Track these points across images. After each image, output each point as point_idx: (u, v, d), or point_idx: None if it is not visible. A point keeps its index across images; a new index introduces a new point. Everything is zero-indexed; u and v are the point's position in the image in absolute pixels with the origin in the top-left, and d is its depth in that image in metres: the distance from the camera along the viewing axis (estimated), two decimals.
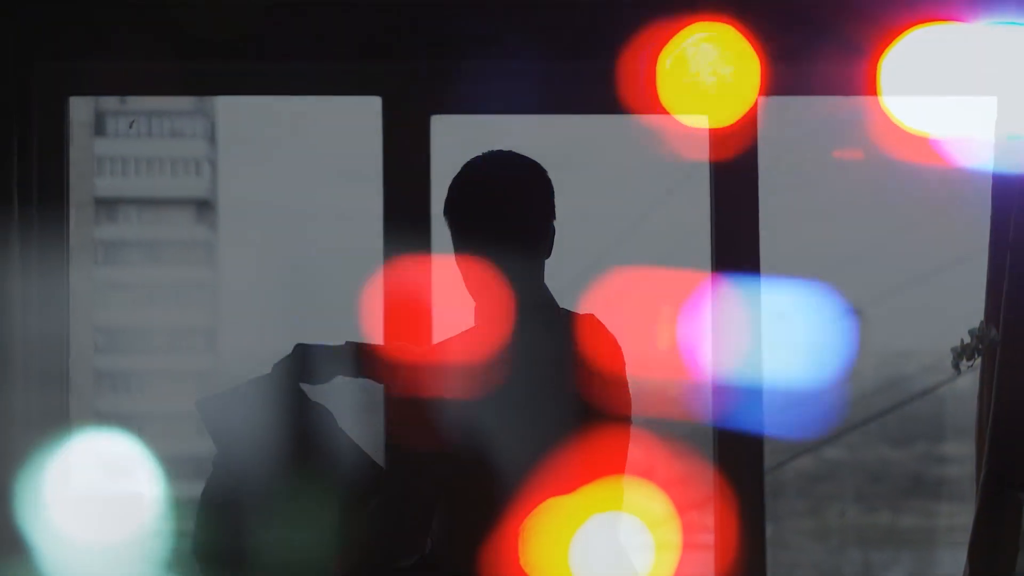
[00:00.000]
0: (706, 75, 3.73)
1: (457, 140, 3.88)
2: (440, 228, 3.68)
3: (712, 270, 3.76)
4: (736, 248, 3.75)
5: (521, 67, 3.69)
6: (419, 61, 3.63)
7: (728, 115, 3.76)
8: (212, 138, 32.82)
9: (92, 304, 31.66)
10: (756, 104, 3.77)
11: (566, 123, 3.97)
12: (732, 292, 3.76)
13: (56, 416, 3.54)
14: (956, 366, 3.55)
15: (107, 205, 32.27)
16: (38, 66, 3.53)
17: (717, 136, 3.76)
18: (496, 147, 2.72)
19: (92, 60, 3.58)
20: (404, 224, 3.62)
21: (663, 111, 3.82)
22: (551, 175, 2.67)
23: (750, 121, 3.76)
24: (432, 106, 3.69)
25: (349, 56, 3.62)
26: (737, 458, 3.69)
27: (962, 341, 3.52)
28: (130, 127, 29.43)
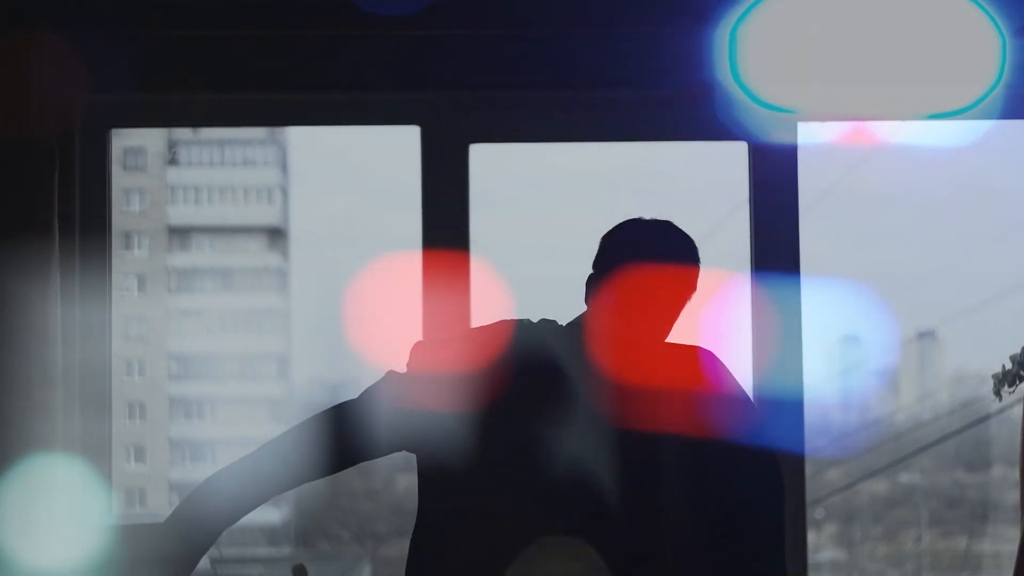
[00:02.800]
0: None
1: (497, 167, 3.92)
2: (478, 253, 3.71)
3: (752, 288, 3.75)
4: (776, 257, 3.74)
5: (557, 95, 3.71)
6: (458, 90, 3.66)
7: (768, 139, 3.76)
8: (284, 166, 33.14)
9: (166, 332, 32.00)
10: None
11: (606, 150, 3.99)
12: (771, 309, 3.75)
13: (98, 443, 3.59)
14: (997, 393, 3.51)
15: (180, 234, 32.64)
16: (80, 99, 3.59)
17: (758, 160, 3.76)
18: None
19: (134, 93, 3.64)
20: (442, 252, 3.65)
21: (703, 136, 3.83)
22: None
23: (790, 145, 3.76)
24: (471, 135, 3.71)
25: (388, 86, 3.65)
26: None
27: (1003, 367, 3.48)
28: (171, 157, 29.77)
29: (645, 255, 2.62)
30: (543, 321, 2.62)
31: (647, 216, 2.70)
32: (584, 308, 2.68)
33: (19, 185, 3.37)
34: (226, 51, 3.60)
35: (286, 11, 3.61)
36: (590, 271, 2.70)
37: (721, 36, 3.58)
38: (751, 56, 3.58)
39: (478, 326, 2.67)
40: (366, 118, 3.78)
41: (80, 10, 3.53)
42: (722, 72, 3.58)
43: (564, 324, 2.63)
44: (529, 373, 2.51)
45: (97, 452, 3.56)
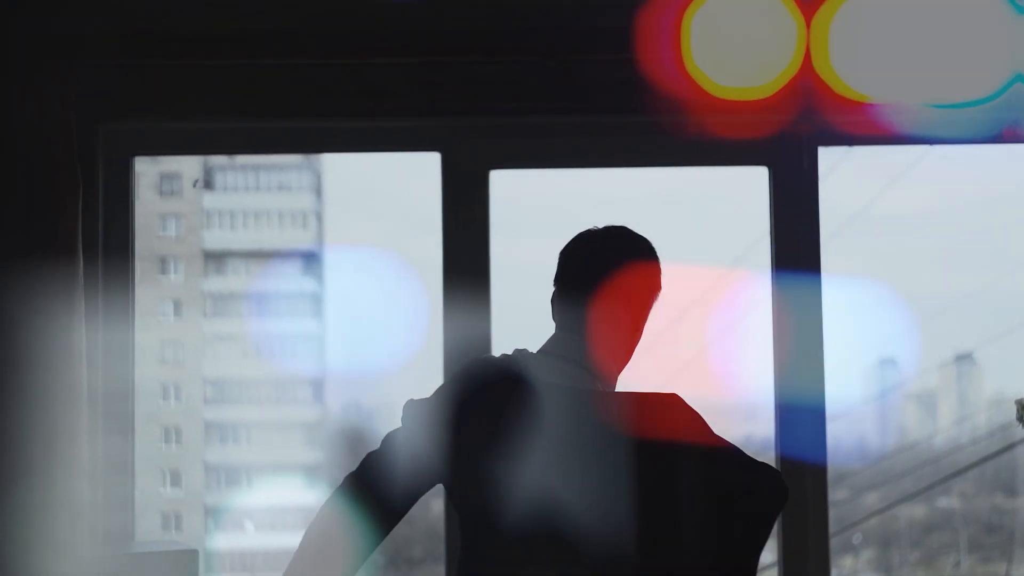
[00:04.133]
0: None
1: (517, 193, 3.93)
2: (496, 279, 3.72)
3: (774, 309, 3.76)
4: (797, 280, 3.74)
5: (578, 121, 3.73)
6: (476, 117, 3.68)
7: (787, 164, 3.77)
8: (318, 191, 33.29)
9: (202, 356, 32.13)
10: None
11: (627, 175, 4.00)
12: (793, 329, 3.75)
13: (121, 464, 3.62)
14: (1020, 419, 3.50)
15: (216, 258, 32.80)
16: (103, 128, 3.64)
17: (778, 185, 3.77)
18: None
19: (155, 121, 3.68)
20: (464, 276, 3.66)
21: (727, 161, 3.84)
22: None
23: (811, 169, 3.76)
24: (491, 161, 3.73)
25: (408, 113, 3.68)
26: (801, 490, 3.67)
27: None
28: (194, 186, 29.96)
29: (606, 262, 2.62)
30: (515, 352, 2.63)
31: (599, 226, 2.70)
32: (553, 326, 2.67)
33: (44, 210, 3.41)
34: (248, 80, 3.64)
35: (307, 40, 3.64)
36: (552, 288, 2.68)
37: None
38: None
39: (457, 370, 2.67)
40: (386, 145, 3.81)
41: (104, 40, 3.58)
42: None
43: (536, 351, 2.63)
44: (483, 407, 2.54)
45: (120, 473, 3.60)
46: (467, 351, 3.50)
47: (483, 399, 2.54)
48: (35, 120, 3.43)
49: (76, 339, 3.41)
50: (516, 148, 3.76)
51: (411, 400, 2.60)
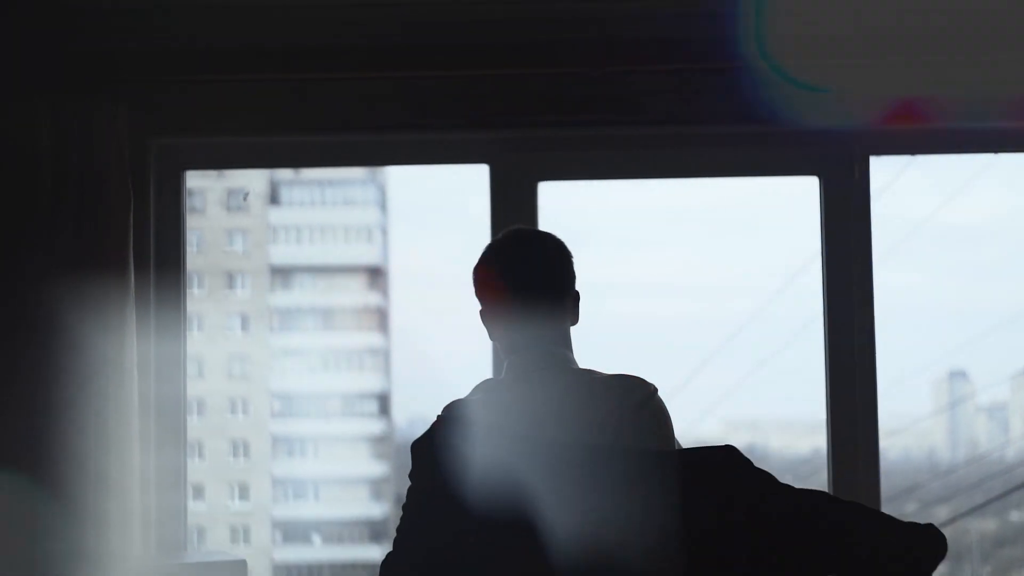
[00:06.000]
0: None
1: (565, 205, 3.93)
2: None
3: (825, 322, 3.74)
4: (848, 292, 3.72)
5: (624, 132, 3.73)
6: (524, 128, 3.69)
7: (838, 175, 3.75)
8: (383, 205, 33.44)
9: (269, 370, 32.33)
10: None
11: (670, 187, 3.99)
12: (845, 341, 3.73)
13: (173, 478, 3.65)
14: None
15: (282, 273, 33.04)
16: (154, 142, 3.68)
17: (829, 195, 3.75)
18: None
19: (205, 135, 3.72)
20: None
21: (775, 171, 3.83)
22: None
23: (862, 178, 3.74)
24: (539, 172, 3.74)
25: (456, 126, 3.69)
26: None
27: None
28: (244, 200, 30.09)
29: (516, 263, 2.62)
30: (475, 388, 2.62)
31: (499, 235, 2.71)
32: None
33: (96, 224, 3.46)
34: (297, 94, 3.66)
35: (354, 54, 3.66)
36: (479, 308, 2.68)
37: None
38: None
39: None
40: (435, 157, 3.81)
41: (155, 55, 3.62)
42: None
43: (497, 378, 2.62)
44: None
45: (172, 484, 3.63)
46: None
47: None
48: (87, 135, 3.48)
49: (128, 352, 3.45)
50: (564, 160, 3.76)
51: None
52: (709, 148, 3.76)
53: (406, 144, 3.78)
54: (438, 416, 2.56)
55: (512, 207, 3.70)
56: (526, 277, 2.62)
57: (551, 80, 3.67)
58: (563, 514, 2.41)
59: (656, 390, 2.57)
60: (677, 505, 2.43)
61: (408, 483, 2.55)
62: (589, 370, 2.62)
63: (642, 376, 2.60)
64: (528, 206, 3.72)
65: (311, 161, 3.87)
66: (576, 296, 2.68)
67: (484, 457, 2.45)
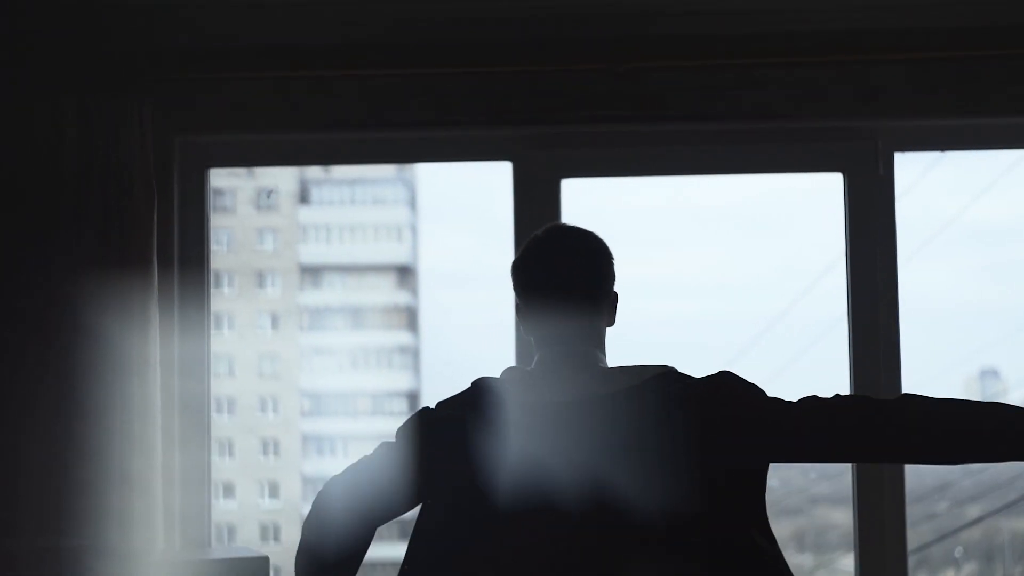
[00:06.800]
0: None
1: (590, 202, 3.92)
2: None
3: (849, 321, 3.73)
4: (873, 290, 3.71)
5: (647, 129, 3.72)
6: (547, 126, 3.69)
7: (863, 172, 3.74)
8: (413, 204, 33.45)
9: (298, 369, 32.39)
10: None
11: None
12: (869, 340, 3.72)
13: (197, 477, 3.66)
14: None
15: (312, 272, 33.08)
16: (178, 140, 3.69)
17: (854, 191, 3.73)
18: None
19: (230, 133, 3.72)
20: None
21: (799, 168, 3.81)
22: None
23: (887, 175, 3.73)
24: (562, 169, 3.73)
25: (479, 123, 3.69)
26: (879, 504, 3.64)
27: None
28: (268, 197, 30.06)
29: (556, 259, 2.59)
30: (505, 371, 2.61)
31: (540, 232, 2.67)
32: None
33: (120, 221, 3.47)
34: (321, 91, 3.67)
35: (377, 52, 3.67)
36: (516, 302, 2.64)
37: None
38: None
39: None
40: (458, 155, 3.81)
41: (179, 53, 3.63)
42: None
43: (527, 369, 2.60)
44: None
45: (195, 486, 3.64)
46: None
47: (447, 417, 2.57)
48: (112, 134, 3.49)
49: (152, 350, 3.46)
50: (587, 157, 3.76)
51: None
52: (733, 145, 3.75)
53: (429, 141, 3.78)
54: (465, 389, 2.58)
55: (535, 205, 3.70)
56: (565, 274, 2.59)
57: (575, 77, 3.66)
58: (575, 470, 2.41)
59: (674, 368, 2.56)
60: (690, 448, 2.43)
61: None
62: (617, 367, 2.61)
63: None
64: (551, 204, 3.72)
65: (335, 158, 3.87)
66: (615, 297, 2.64)
67: (514, 428, 2.45)
